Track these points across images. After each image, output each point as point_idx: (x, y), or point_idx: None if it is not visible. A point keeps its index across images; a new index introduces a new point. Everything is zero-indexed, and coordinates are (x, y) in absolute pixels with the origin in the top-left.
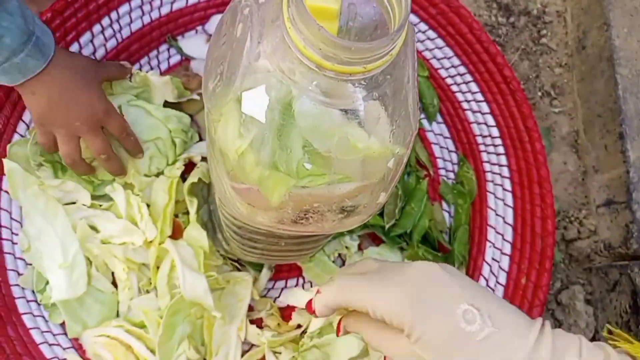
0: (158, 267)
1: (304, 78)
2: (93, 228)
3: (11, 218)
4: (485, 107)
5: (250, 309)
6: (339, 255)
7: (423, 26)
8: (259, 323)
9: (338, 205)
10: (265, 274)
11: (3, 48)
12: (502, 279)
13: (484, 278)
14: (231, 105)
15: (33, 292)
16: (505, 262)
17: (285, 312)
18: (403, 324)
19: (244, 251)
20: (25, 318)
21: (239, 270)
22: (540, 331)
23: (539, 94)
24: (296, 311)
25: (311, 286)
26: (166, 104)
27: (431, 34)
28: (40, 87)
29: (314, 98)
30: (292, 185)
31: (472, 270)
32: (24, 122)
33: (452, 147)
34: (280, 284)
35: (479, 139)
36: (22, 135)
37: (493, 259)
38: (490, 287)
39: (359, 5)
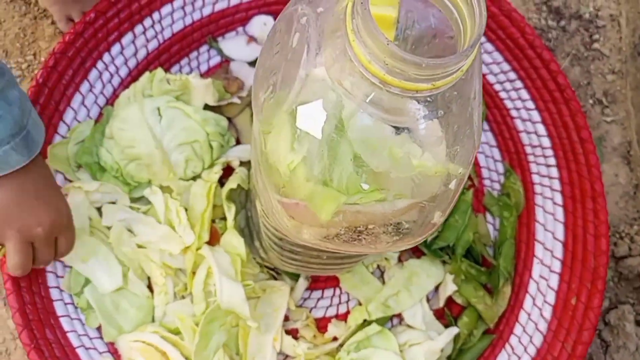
0: (194, 273)
1: (365, 93)
2: (129, 231)
3: None
4: (536, 116)
5: (286, 318)
6: (378, 266)
7: None
8: (294, 333)
9: (392, 226)
10: (302, 283)
11: None
12: (551, 298)
13: (531, 296)
14: (284, 118)
15: (70, 295)
16: (554, 280)
17: (321, 323)
18: None
19: (283, 262)
20: (62, 321)
21: (275, 278)
22: None
23: (590, 102)
24: (332, 322)
25: (348, 297)
26: (205, 107)
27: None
28: (10, 183)
29: (374, 114)
30: (342, 202)
31: (518, 287)
32: (64, 122)
33: (498, 157)
34: (317, 294)
35: (528, 149)
36: (63, 137)
37: (541, 276)
38: (537, 306)
39: (417, 13)
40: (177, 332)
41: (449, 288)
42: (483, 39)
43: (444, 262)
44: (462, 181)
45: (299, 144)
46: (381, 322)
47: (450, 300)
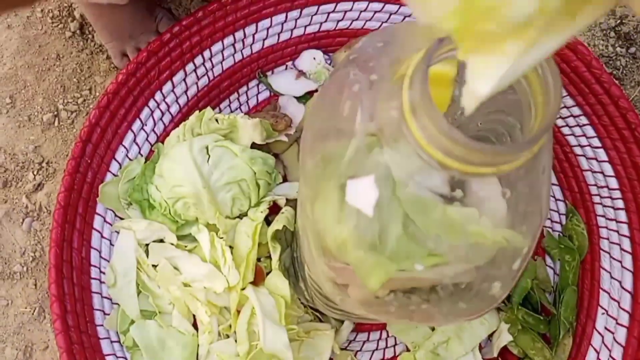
0: (239, 312)
1: (421, 171)
2: (176, 268)
3: (100, 257)
4: (602, 155)
5: None
6: None
7: None
8: None
9: (447, 307)
10: (347, 326)
11: None
12: (617, 353)
13: (595, 349)
14: (332, 189)
15: (117, 333)
16: (621, 335)
17: None
18: None
19: (327, 308)
20: (108, 359)
21: (320, 320)
22: None
23: None
24: None
25: (395, 342)
26: (253, 144)
27: None
28: None
29: (429, 194)
30: (393, 270)
31: (580, 338)
32: (116, 161)
33: (559, 196)
34: (362, 336)
35: (593, 189)
36: (114, 174)
37: (606, 328)
38: None
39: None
40: None
41: (504, 338)
42: None
43: (498, 310)
44: (525, 259)
45: (348, 217)
46: None
47: (505, 350)
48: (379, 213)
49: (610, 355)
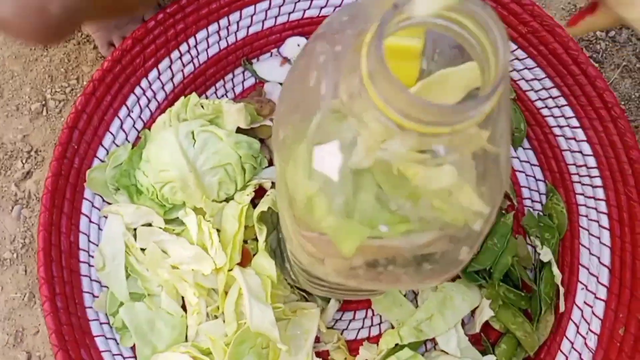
0: (226, 293)
1: (382, 135)
2: (164, 252)
3: (89, 241)
4: (580, 134)
5: (317, 340)
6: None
7: (511, 45)
8: (325, 356)
9: (413, 267)
10: (333, 305)
11: None
12: (596, 326)
13: (574, 323)
14: (300, 155)
15: (106, 315)
16: (599, 308)
17: (353, 346)
18: None
19: (312, 286)
20: (98, 341)
21: (306, 299)
22: None
23: None
24: (364, 345)
25: (380, 320)
26: (238, 130)
27: (520, 53)
28: None
29: (392, 156)
30: (366, 235)
31: (561, 313)
32: (103, 147)
33: (539, 176)
34: (349, 315)
35: (572, 169)
36: (101, 160)
37: (585, 302)
38: (581, 335)
39: (443, 42)
40: (208, 353)
41: (486, 313)
42: (524, 54)
43: (480, 286)
44: (488, 222)
45: (316, 183)
46: (414, 346)
47: (487, 326)
48: (347, 179)
49: (589, 329)
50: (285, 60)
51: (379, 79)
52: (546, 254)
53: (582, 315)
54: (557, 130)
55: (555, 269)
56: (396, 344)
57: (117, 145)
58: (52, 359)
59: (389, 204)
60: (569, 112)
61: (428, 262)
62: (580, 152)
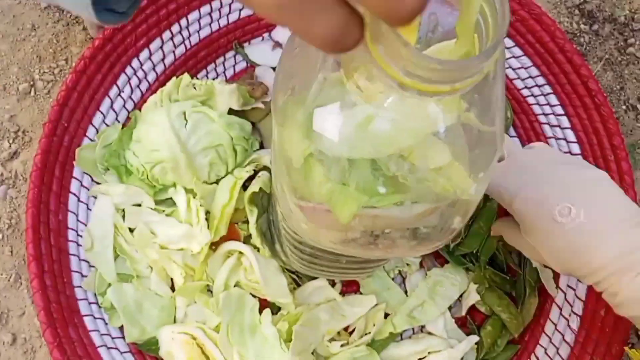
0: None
1: (383, 95)
2: (152, 233)
3: (77, 220)
4: (565, 122)
5: None
6: (400, 272)
7: None
8: None
9: (410, 231)
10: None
11: None
12: (578, 308)
13: (558, 306)
14: (302, 121)
15: (95, 294)
16: (581, 290)
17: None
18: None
19: (303, 266)
20: (86, 320)
21: (296, 282)
22: None
23: (624, 107)
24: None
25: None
26: (230, 112)
27: (508, 41)
28: None
29: (392, 117)
30: (363, 202)
31: (544, 296)
32: (93, 126)
33: None
34: None
35: None
36: (91, 140)
37: (568, 285)
38: (564, 317)
39: (440, 15)
40: (219, 330)
41: (472, 297)
42: (511, 42)
43: (467, 270)
44: (482, 186)
45: (315, 141)
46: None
47: (473, 309)
48: (345, 145)
49: (572, 310)
50: (277, 44)
51: (381, 35)
52: None
53: (565, 298)
54: (542, 118)
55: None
56: (390, 333)
57: (107, 125)
58: (38, 341)
59: (383, 174)
60: (554, 100)
61: (424, 228)
62: (565, 139)
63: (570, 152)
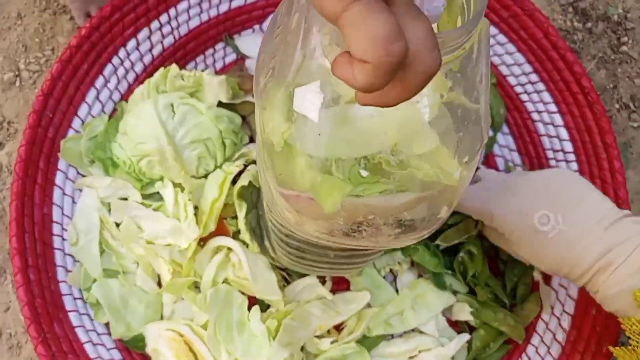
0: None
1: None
2: (139, 227)
3: (62, 214)
4: (558, 119)
5: None
6: (391, 270)
7: (493, 30)
8: None
9: (395, 219)
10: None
11: None
12: (570, 307)
13: (549, 305)
14: (282, 101)
15: (80, 290)
16: (573, 290)
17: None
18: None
19: (291, 261)
20: (71, 315)
21: (285, 279)
22: (617, 221)
23: (617, 106)
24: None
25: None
26: (219, 105)
27: (501, 38)
28: None
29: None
30: (348, 191)
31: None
32: (79, 117)
33: (518, 161)
34: None
35: (550, 154)
36: (76, 131)
37: (560, 284)
38: (555, 316)
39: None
40: (207, 327)
41: (463, 315)
42: (504, 38)
43: (454, 292)
44: (468, 172)
45: (296, 122)
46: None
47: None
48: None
49: (563, 310)
50: None
51: None
52: None
53: (557, 297)
54: (535, 116)
55: (537, 274)
56: (363, 336)
57: (93, 116)
58: (23, 336)
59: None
60: (547, 97)
61: (409, 215)
62: (558, 137)
63: (562, 150)
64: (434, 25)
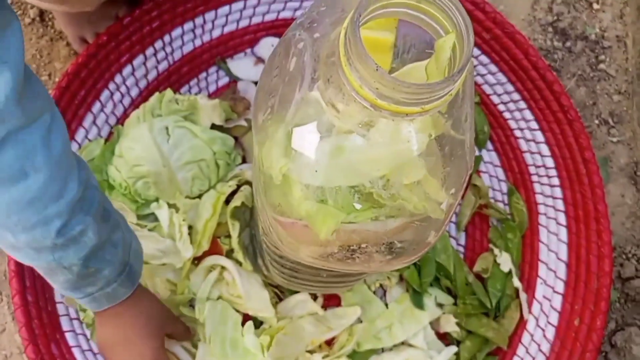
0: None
1: (358, 116)
2: None
3: None
4: (539, 136)
5: None
6: (381, 285)
7: (476, 51)
8: None
9: (386, 245)
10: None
11: (100, 279)
12: (554, 318)
13: (534, 317)
14: (281, 138)
15: (77, 310)
16: (557, 301)
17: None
18: None
19: (284, 280)
20: (68, 336)
21: (278, 296)
22: None
23: (596, 122)
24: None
25: None
26: (213, 127)
27: (484, 59)
28: (114, 317)
29: (367, 136)
30: (341, 219)
31: (521, 308)
32: (76, 141)
33: (502, 177)
34: None
35: (532, 169)
36: (79, 144)
37: (544, 296)
38: (540, 327)
39: (414, 37)
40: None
41: (449, 327)
42: (487, 59)
43: (440, 305)
44: (454, 203)
45: (293, 159)
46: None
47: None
48: (323, 164)
49: (547, 321)
50: (259, 60)
51: (355, 60)
52: (505, 262)
53: (541, 309)
54: (517, 133)
55: (516, 281)
56: (353, 350)
57: (90, 140)
58: (19, 357)
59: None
60: (528, 115)
61: (399, 242)
62: (539, 153)
63: (544, 166)
64: (424, 74)
